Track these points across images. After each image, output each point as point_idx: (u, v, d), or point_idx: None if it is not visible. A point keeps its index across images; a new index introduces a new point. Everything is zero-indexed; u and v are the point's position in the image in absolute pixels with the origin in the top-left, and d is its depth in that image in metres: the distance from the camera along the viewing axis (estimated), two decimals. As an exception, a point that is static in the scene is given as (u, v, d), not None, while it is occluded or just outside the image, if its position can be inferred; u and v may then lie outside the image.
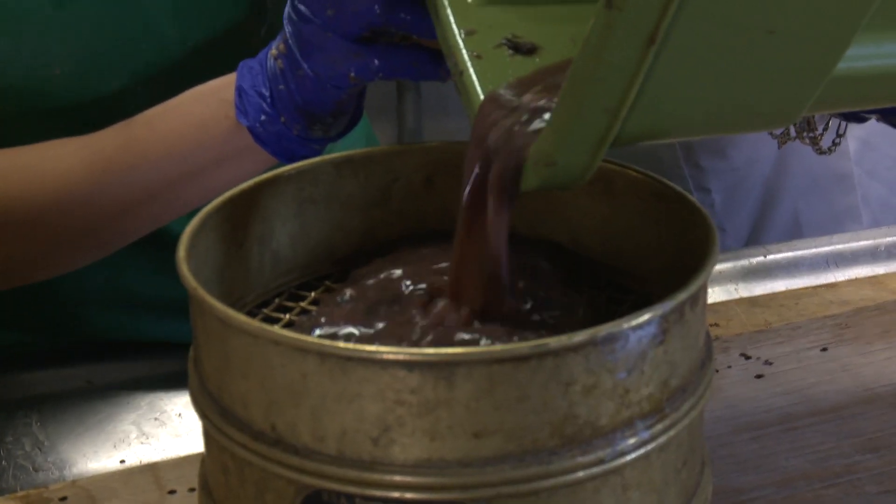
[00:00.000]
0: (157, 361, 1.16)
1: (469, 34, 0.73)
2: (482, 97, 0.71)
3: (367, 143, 1.28)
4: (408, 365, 0.63)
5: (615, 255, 0.82)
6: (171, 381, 1.13)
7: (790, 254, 1.24)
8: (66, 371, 1.14)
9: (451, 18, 0.74)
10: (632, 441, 0.67)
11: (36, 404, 1.10)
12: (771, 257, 1.23)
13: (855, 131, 1.55)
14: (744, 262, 1.22)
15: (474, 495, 0.65)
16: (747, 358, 1.00)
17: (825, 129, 1.32)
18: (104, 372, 1.14)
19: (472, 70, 0.73)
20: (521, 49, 0.74)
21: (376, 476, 0.65)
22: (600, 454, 0.66)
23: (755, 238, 1.55)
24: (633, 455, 0.67)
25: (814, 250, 1.24)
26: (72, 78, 1.01)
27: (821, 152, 1.33)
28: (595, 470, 0.66)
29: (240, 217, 0.80)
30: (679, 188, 0.78)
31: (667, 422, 0.68)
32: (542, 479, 0.65)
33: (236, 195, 0.79)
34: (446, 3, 0.74)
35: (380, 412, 0.64)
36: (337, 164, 0.83)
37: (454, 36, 0.74)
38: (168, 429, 1.07)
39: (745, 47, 0.62)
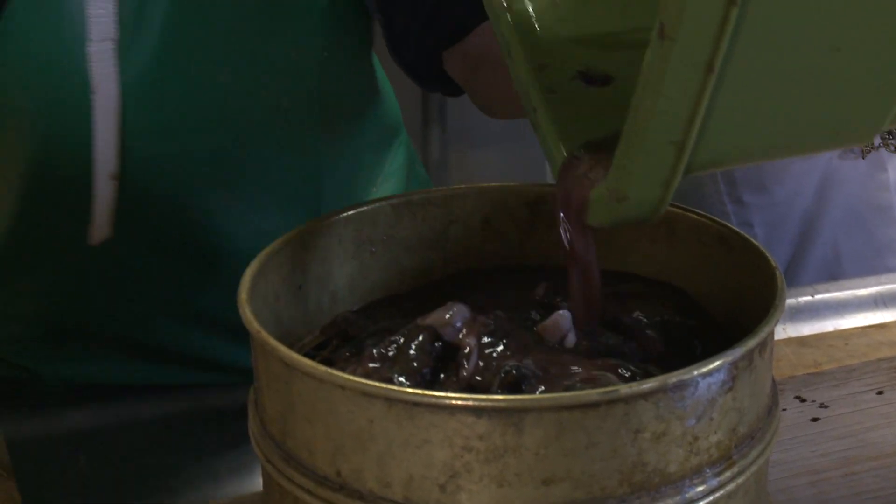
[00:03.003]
0: (197, 398, 1.16)
1: (541, 69, 0.73)
2: (556, 136, 0.71)
3: (409, 173, 1.28)
4: (476, 411, 0.62)
5: (677, 300, 0.82)
6: (214, 419, 1.13)
7: (838, 293, 1.23)
8: (110, 407, 1.14)
9: (523, 55, 0.73)
10: (700, 489, 0.66)
11: (81, 440, 1.10)
12: (819, 297, 1.23)
13: None
14: (791, 302, 1.21)
15: (542, 543, 0.64)
16: (802, 401, 1.00)
17: None
18: (148, 408, 1.14)
19: (546, 107, 0.72)
20: (595, 80, 0.73)
21: (443, 523, 0.64)
22: (669, 502, 0.65)
23: (795, 271, 1.54)
24: (702, 503, 0.66)
25: (862, 290, 1.24)
26: (233, 86, 1.02)
27: None
28: (663, 518, 0.65)
29: (299, 259, 0.79)
30: (743, 233, 0.77)
31: (735, 469, 0.67)
32: (610, 526, 0.64)
33: (295, 237, 0.79)
34: (518, 38, 0.74)
35: (447, 458, 0.63)
36: (395, 206, 0.83)
37: (526, 73, 0.73)
38: (213, 467, 1.07)
39: (811, 67, 0.61)
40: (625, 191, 0.64)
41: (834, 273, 1.52)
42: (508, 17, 0.74)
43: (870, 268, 1.50)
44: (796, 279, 1.52)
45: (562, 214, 0.70)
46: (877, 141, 1.31)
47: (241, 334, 1.03)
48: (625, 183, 0.64)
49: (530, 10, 0.74)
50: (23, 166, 1.02)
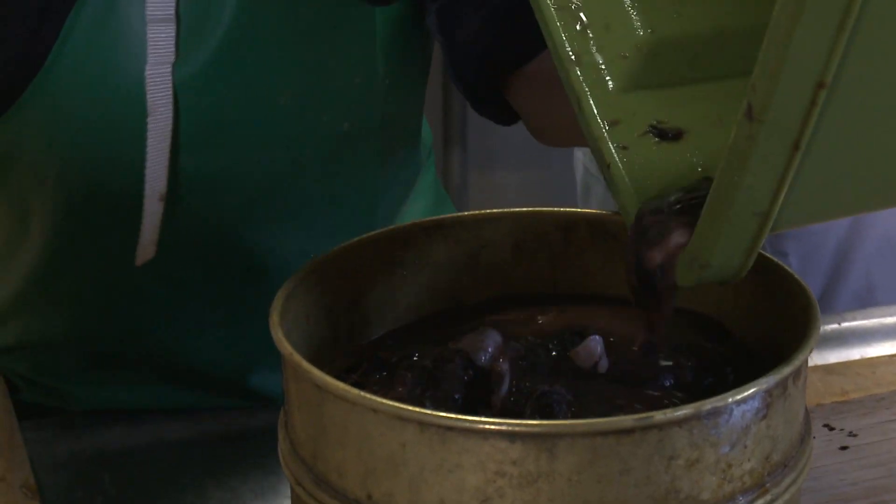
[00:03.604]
0: (222, 420, 1.16)
1: (613, 125, 0.73)
2: (632, 191, 0.71)
3: (437, 191, 1.28)
4: (509, 435, 0.62)
5: (709, 327, 0.82)
6: (238, 441, 1.13)
7: (865, 321, 1.23)
8: (135, 428, 1.14)
9: (595, 110, 0.73)
10: (733, 517, 0.66)
11: (106, 461, 1.10)
12: (845, 325, 1.22)
13: None
14: (818, 330, 1.20)
15: (574, 570, 0.64)
16: (831, 429, 0.99)
17: None
18: (172, 429, 1.14)
19: (619, 163, 0.72)
20: (667, 135, 0.73)
21: (475, 548, 0.64)
22: (701, 529, 0.65)
23: (828, 301, 1.54)
24: (735, 531, 0.66)
25: (889, 318, 1.23)
26: (293, 109, 1.01)
27: None
28: (697, 546, 0.65)
29: (330, 281, 0.80)
30: (778, 261, 0.77)
31: (768, 497, 0.67)
32: (643, 554, 0.64)
33: (328, 259, 0.79)
34: (588, 93, 0.74)
35: (480, 483, 0.63)
36: (426, 229, 0.83)
37: (599, 128, 0.73)
38: (238, 489, 1.07)
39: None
40: (707, 259, 0.65)
41: (866, 303, 1.51)
42: (578, 70, 0.74)
43: None
44: (829, 309, 1.51)
45: (636, 266, 0.70)
46: None
47: (275, 358, 1.03)
48: (708, 252, 0.64)
49: (600, 62, 0.74)
50: (73, 188, 1.02)
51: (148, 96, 0.95)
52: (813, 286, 1.51)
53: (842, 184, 0.64)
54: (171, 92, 0.96)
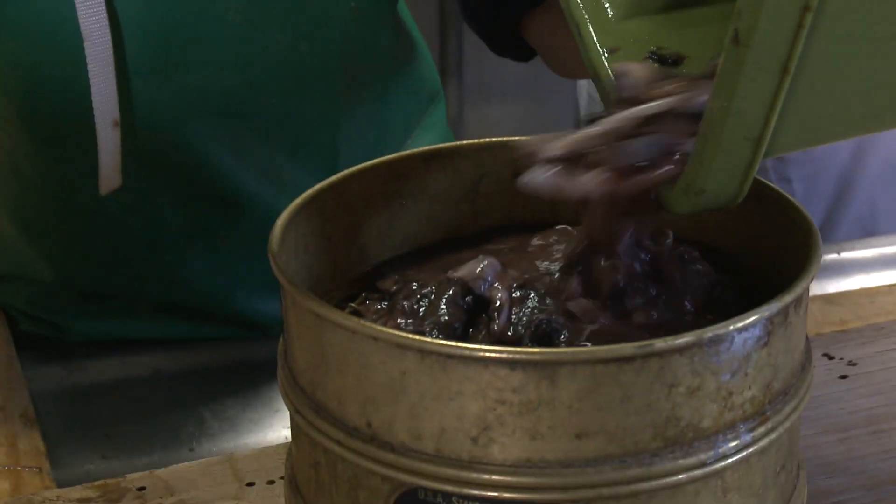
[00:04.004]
0: (219, 351, 1.16)
1: (612, 52, 0.73)
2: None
3: (445, 130, 1.27)
4: (510, 363, 0.62)
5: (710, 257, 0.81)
6: (235, 371, 1.13)
7: (864, 251, 1.23)
8: (133, 359, 1.14)
9: (594, 38, 0.74)
10: (733, 444, 0.66)
11: (104, 392, 1.10)
12: (845, 254, 1.22)
13: None
14: (817, 260, 1.20)
15: (574, 496, 0.64)
16: (830, 358, 0.99)
17: None
18: (173, 360, 1.14)
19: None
20: (666, 61, 0.73)
21: (474, 475, 0.64)
22: (702, 457, 0.65)
23: (831, 227, 1.53)
24: (735, 458, 0.66)
25: (888, 248, 1.23)
26: (243, 27, 1.00)
27: None
28: (696, 473, 0.65)
29: (329, 210, 0.79)
30: (778, 188, 0.76)
31: (768, 425, 0.67)
32: (642, 480, 0.64)
33: (325, 188, 0.78)
34: (588, 21, 0.73)
35: (480, 411, 0.63)
36: (425, 159, 0.83)
37: (598, 56, 0.73)
38: (235, 419, 1.07)
39: (889, 53, 0.61)
40: (702, 185, 0.65)
41: (870, 230, 1.51)
42: None
43: None
44: (832, 235, 1.51)
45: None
46: None
47: (267, 287, 1.03)
48: (702, 178, 0.64)
49: None
50: (31, 121, 1.01)
51: (81, 21, 0.95)
52: (817, 212, 1.52)
53: (835, 107, 0.64)
54: (104, 16, 0.95)
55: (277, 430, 1.07)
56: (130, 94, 0.99)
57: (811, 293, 1.14)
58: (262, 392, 1.10)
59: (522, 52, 1.08)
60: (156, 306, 1.15)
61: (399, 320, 0.73)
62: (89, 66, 0.96)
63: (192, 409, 1.09)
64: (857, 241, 1.25)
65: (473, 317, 0.73)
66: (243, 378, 1.12)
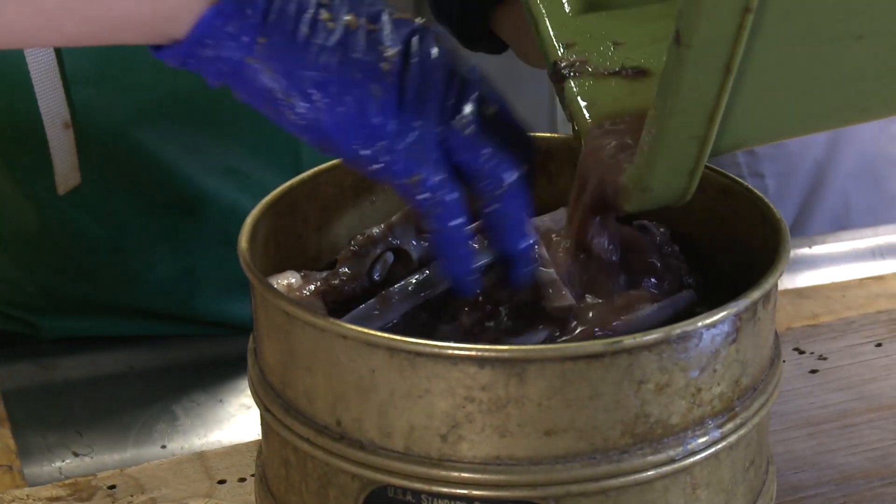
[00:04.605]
0: (192, 347, 1.15)
1: (569, 46, 0.73)
2: (586, 112, 0.71)
3: None
4: (479, 361, 0.62)
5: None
6: (208, 368, 1.13)
7: (836, 245, 1.23)
8: (105, 356, 1.13)
9: (551, 32, 0.74)
10: (702, 440, 0.66)
11: (76, 389, 1.10)
12: (816, 248, 1.22)
13: None
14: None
15: (543, 493, 0.64)
16: (801, 352, 0.99)
17: None
18: (145, 357, 1.14)
19: (573, 83, 0.72)
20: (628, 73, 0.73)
21: (444, 473, 0.64)
22: (671, 453, 0.65)
23: (804, 222, 1.53)
24: (704, 454, 0.66)
25: (859, 241, 1.23)
26: None
27: None
28: (665, 469, 0.65)
29: (299, 207, 0.79)
30: (747, 183, 0.77)
31: (737, 420, 0.67)
32: (611, 477, 0.64)
33: (296, 185, 0.78)
34: (545, 15, 0.74)
35: (449, 408, 0.63)
36: (396, 154, 0.82)
37: (555, 50, 0.74)
38: (207, 416, 1.07)
39: (835, 55, 0.62)
40: (649, 183, 0.65)
41: (843, 224, 1.51)
42: None
43: (879, 219, 1.49)
44: (805, 230, 1.51)
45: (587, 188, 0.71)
46: None
47: (233, 289, 1.02)
48: (648, 176, 0.65)
49: None
50: None
51: None
52: (790, 206, 1.52)
53: (784, 105, 0.64)
54: None
55: (250, 426, 1.06)
56: (82, 97, 0.99)
57: (783, 287, 1.15)
58: (234, 389, 1.09)
59: (494, 46, 1.08)
60: (122, 308, 1.14)
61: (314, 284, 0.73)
62: (31, 73, 0.96)
63: (164, 405, 1.08)
64: (828, 234, 1.26)
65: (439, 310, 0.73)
66: (216, 374, 1.11)
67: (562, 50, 0.74)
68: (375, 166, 0.66)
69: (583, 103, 0.71)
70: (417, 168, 0.66)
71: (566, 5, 0.74)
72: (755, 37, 0.59)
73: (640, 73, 0.72)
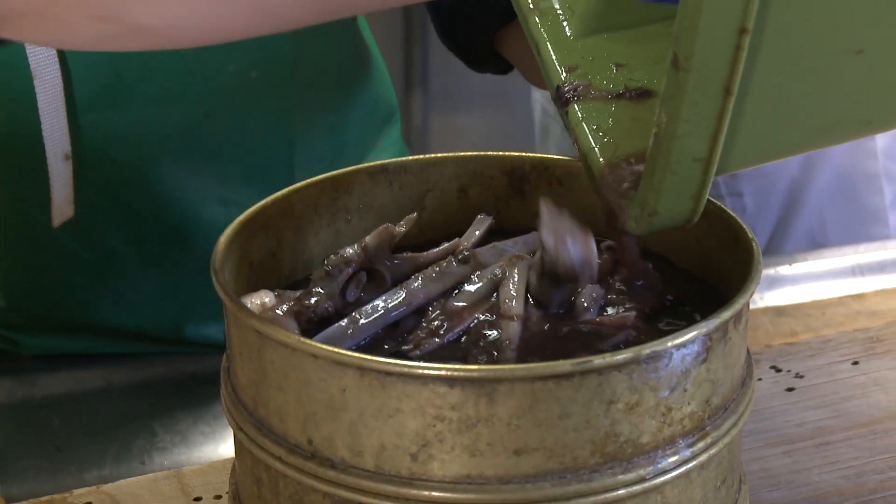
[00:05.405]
0: (172, 365, 1.16)
1: (571, 70, 0.73)
2: (590, 136, 0.71)
3: (401, 150, 1.27)
4: (449, 381, 0.62)
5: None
6: (188, 385, 1.13)
7: (815, 263, 1.23)
8: (85, 372, 1.13)
9: (553, 56, 0.74)
10: (673, 459, 0.66)
11: (55, 405, 1.10)
12: (796, 265, 1.22)
13: None
14: (769, 271, 1.21)
15: (514, 513, 0.64)
16: (778, 370, 0.99)
17: None
18: (125, 374, 1.14)
19: (577, 108, 0.72)
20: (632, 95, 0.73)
21: (414, 492, 0.64)
22: (641, 472, 0.65)
23: (781, 239, 1.54)
24: (674, 473, 0.66)
25: (840, 259, 1.23)
26: (195, 62, 1.00)
27: None
28: (636, 488, 0.65)
29: (273, 226, 0.79)
30: (720, 204, 0.77)
31: (708, 440, 0.67)
32: (582, 496, 0.64)
33: (269, 204, 0.78)
34: (546, 40, 0.74)
35: (419, 428, 0.63)
36: (371, 174, 0.83)
37: (557, 74, 0.73)
38: (187, 433, 1.07)
39: (835, 70, 0.62)
40: (654, 206, 0.65)
41: (819, 241, 1.52)
42: (536, 18, 0.74)
43: (855, 235, 1.50)
44: (782, 247, 1.52)
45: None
46: None
47: (219, 312, 1.03)
48: (653, 200, 0.65)
49: (557, 7, 0.74)
50: None
51: (30, 60, 0.95)
52: (767, 224, 1.53)
53: (786, 124, 0.65)
54: (54, 53, 0.95)
55: (230, 443, 1.06)
56: (82, 128, 1.00)
57: (763, 304, 1.15)
58: (213, 406, 1.09)
59: (500, 67, 1.09)
60: (106, 329, 1.14)
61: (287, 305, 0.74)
62: (39, 102, 0.97)
63: (143, 422, 1.08)
64: (809, 252, 1.26)
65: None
66: (195, 391, 1.11)
67: (564, 74, 0.73)
68: None
69: (587, 127, 0.71)
70: None
71: (567, 29, 0.74)
72: (754, 57, 0.59)
73: (644, 94, 0.72)
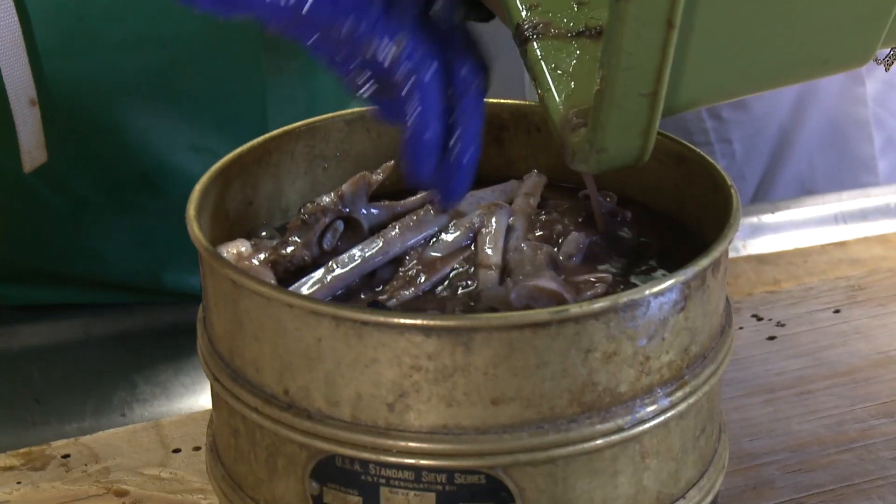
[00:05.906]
0: (152, 315, 1.15)
1: (532, 9, 0.72)
2: (548, 75, 0.70)
3: None
4: (425, 330, 0.62)
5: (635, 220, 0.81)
6: (169, 336, 1.12)
7: (798, 210, 1.23)
8: (64, 323, 1.13)
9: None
10: (651, 408, 0.66)
11: (34, 356, 1.09)
12: (779, 214, 1.22)
13: (877, 73, 1.52)
14: (752, 220, 1.20)
15: (491, 462, 0.64)
16: (759, 319, 0.99)
17: None
18: (104, 325, 1.13)
19: (535, 46, 0.71)
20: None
21: (391, 442, 0.64)
22: (619, 422, 0.65)
23: (770, 186, 1.53)
24: (653, 423, 0.66)
25: (823, 207, 1.23)
26: (157, 4, 0.99)
27: None
28: (614, 438, 0.65)
29: (250, 175, 0.78)
30: (700, 151, 0.76)
31: (686, 389, 0.67)
32: (559, 446, 0.64)
33: (245, 152, 0.78)
34: None
35: (396, 378, 0.63)
36: (349, 121, 0.82)
37: (518, 13, 0.72)
38: (168, 384, 1.06)
39: (788, 5, 0.61)
40: (602, 143, 0.64)
41: (809, 187, 1.51)
42: None
43: (844, 182, 1.49)
44: (771, 193, 1.51)
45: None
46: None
47: (194, 261, 1.02)
48: (601, 136, 0.64)
49: None
50: None
51: None
52: (756, 171, 1.52)
53: (737, 60, 0.63)
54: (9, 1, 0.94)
55: (207, 395, 1.06)
56: (47, 73, 0.99)
57: (745, 253, 1.15)
58: (195, 357, 1.08)
59: (481, 14, 1.07)
60: (82, 279, 1.14)
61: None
62: None
63: (123, 374, 1.07)
64: (791, 200, 1.25)
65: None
66: (176, 342, 1.10)
67: (525, 12, 0.72)
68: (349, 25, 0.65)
69: (545, 66, 0.70)
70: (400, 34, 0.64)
71: None
72: None
73: (603, 32, 0.72)
